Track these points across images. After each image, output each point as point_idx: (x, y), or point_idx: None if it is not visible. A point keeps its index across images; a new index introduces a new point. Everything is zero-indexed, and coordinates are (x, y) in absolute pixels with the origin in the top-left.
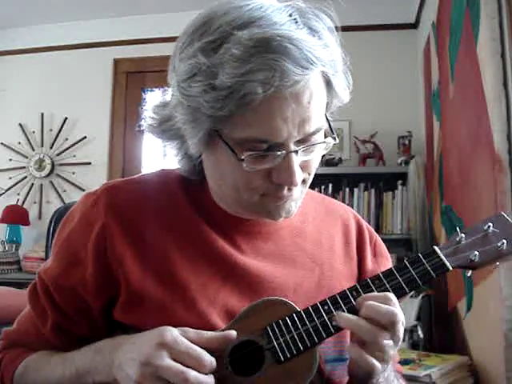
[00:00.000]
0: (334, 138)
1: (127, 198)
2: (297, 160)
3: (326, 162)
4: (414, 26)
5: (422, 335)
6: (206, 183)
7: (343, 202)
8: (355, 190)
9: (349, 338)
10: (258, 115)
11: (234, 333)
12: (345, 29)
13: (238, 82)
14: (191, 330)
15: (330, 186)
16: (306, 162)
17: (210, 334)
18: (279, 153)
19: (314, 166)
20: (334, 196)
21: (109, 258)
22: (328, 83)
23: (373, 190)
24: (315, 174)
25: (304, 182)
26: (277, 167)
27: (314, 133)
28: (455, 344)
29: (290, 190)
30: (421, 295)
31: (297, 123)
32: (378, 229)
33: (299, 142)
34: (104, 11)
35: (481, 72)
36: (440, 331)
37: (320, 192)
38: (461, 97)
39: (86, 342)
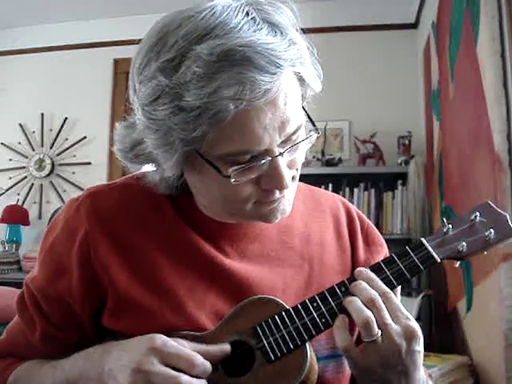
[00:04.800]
0: (317, 130)
1: (110, 204)
2: (283, 162)
3: (326, 161)
4: (414, 25)
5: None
6: (190, 190)
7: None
8: (355, 190)
9: None
10: (236, 128)
11: (228, 347)
12: (345, 29)
13: (208, 102)
14: (186, 342)
15: (330, 185)
16: (293, 160)
17: (204, 347)
18: (264, 160)
19: (301, 161)
20: None
21: (94, 266)
22: (300, 78)
23: (373, 190)
24: (315, 174)
25: (293, 178)
26: (265, 174)
27: (295, 132)
28: (455, 344)
29: (281, 191)
30: (421, 295)
31: (277, 127)
32: (377, 229)
33: (283, 143)
34: (104, 11)
35: (481, 72)
36: (440, 331)
37: None
38: (461, 97)
39: (76, 350)
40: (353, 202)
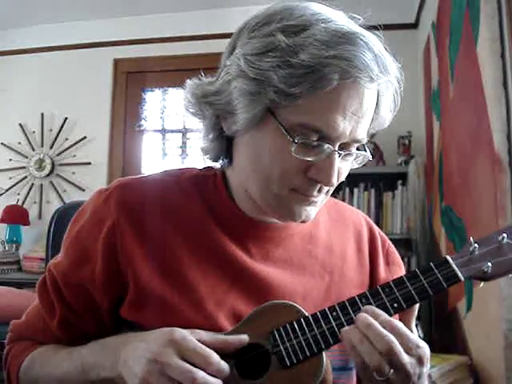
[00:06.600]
0: (370, 155)
1: (139, 196)
2: (338, 161)
3: None
4: (414, 25)
5: (421, 335)
6: (221, 184)
7: (343, 202)
8: (355, 190)
9: None
10: (323, 103)
11: (246, 337)
12: None
13: (320, 64)
14: (203, 331)
15: None
16: (340, 169)
17: (222, 336)
18: (326, 147)
19: (343, 176)
20: (334, 196)
21: (118, 257)
22: (377, 103)
23: (373, 190)
24: None
25: (328, 191)
26: (318, 163)
27: (357, 141)
28: (455, 344)
29: (319, 191)
30: None
31: (352, 124)
32: None
33: (344, 146)
34: (104, 11)
35: (481, 72)
36: (440, 331)
37: None
38: (461, 97)
39: (93, 338)
40: (353, 202)
